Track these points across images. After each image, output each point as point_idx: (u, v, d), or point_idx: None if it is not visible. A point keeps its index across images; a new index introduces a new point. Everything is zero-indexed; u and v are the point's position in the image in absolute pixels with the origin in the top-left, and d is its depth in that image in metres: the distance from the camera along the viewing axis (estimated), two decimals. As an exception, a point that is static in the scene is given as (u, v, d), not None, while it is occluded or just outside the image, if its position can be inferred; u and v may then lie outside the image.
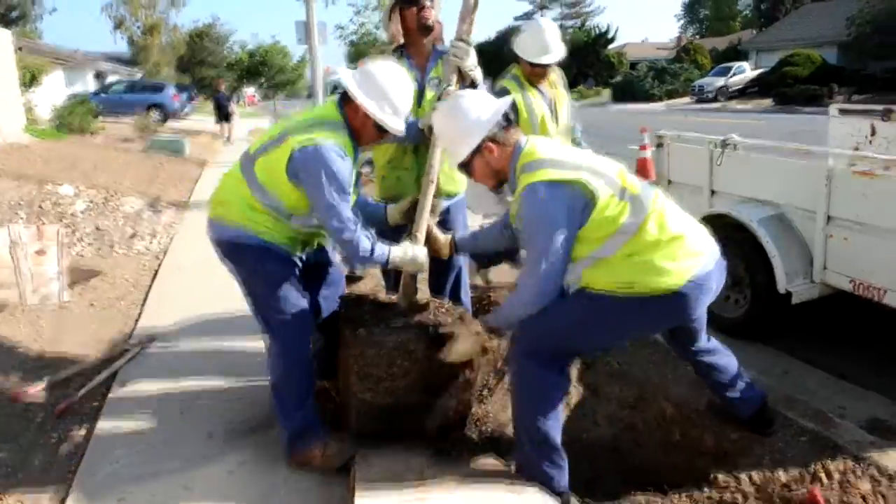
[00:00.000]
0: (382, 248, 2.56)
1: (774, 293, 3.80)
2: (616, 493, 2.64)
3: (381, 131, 2.54)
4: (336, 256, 3.08)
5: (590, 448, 3.13)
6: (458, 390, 2.70)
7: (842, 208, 3.54)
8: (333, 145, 2.41)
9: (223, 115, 17.92)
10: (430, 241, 2.77)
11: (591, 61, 42.88)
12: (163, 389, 3.43)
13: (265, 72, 21.36)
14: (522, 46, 3.62)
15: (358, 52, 10.25)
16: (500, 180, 2.43)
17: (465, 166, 2.42)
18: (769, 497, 2.10)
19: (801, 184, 3.76)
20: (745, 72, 31.94)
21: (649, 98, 34.25)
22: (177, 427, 3.08)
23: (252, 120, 26.71)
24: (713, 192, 4.43)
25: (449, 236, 2.86)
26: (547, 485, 2.38)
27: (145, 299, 4.97)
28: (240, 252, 2.57)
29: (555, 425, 2.43)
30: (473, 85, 2.98)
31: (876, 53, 24.98)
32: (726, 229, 4.16)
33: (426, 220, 2.77)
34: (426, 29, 3.10)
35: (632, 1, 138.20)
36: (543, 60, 3.56)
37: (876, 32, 25.11)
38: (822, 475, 2.50)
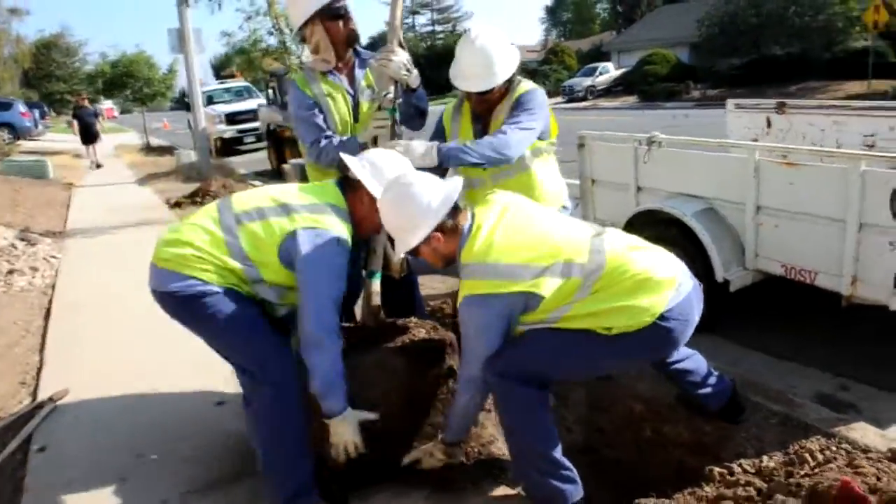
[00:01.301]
0: (341, 393, 2.29)
1: (713, 283, 3.95)
2: (595, 497, 2.60)
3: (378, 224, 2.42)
4: None
5: (567, 454, 3.09)
6: (446, 405, 2.56)
7: (770, 198, 3.74)
8: (339, 237, 2.26)
9: (89, 136, 15.84)
10: (384, 259, 2.67)
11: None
12: (92, 453, 2.99)
13: (130, 84, 19.85)
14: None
15: (248, 60, 9.72)
16: (448, 261, 2.32)
17: (412, 251, 2.31)
18: (786, 487, 2.13)
19: (729, 176, 3.94)
20: (610, 72, 33.88)
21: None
22: (120, 497, 2.67)
23: (117, 136, 24.84)
24: (639, 189, 4.56)
25: (400, 256, 2.68)
26: (561, 501, 2.30)
27: (43, 344, 4.39)
28: (191, 303, 2.24)
29: (549, 438, 2.34)
30: (410, 88, 2.86)
31: (722, 52, 27.34)
32: (657, 225, 4.31)
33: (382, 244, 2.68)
34: (353, 39, 2.96)
35: (496, 5, 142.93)
36: (461, 86, 2.88)
37: (722, 33, 27.49)
38: (807, 456, 2.59)
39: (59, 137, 28.13)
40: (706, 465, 2.78)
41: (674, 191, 4.29)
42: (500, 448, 2.84)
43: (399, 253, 2.33)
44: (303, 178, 7.23)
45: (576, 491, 2.33)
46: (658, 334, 2.15)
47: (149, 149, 21.06)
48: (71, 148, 20.20)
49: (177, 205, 9.60)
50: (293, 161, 7.64)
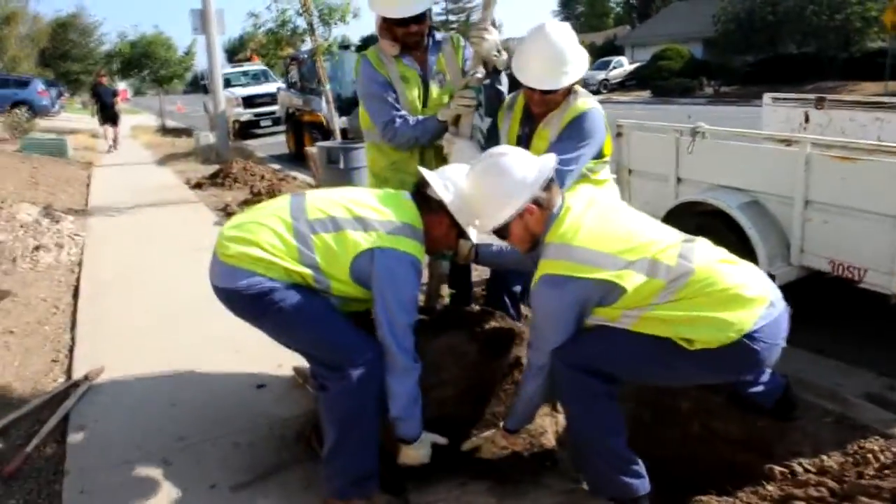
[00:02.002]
0: (418, 419, 2.27)
1: (757, 278, 3.84)
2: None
3: (455, 243, 2.39)
4: None
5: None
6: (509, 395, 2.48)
7: (820, 192, 3.63)
8: (415, 261, 2.20)
9: (108, 116, 15.18)
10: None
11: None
12: (133, 434, 2.91)
13: (148, 65, 19.71)
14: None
15: (276, 41, 9.59)
16: (535, 243, 2.20)
17: (501, 230, 2.18)
18: (863, 489, 2.04)
19: (777, 170, 3.82)
20: (624, 66, 33.55)
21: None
22: (167, 481, 2.58)
23: (133, 117, 24.75)
24: (679, 180, 4.44)
25: (470, 243, 2.59)
26: (629, 495, 2.21)
27: (74, 322, 4.31)
28: (261, 299, 2.15)
29: (617, 432, 2.24)
30: (496, 70, 2.74)
31: (737, 48, 27.05)
32: (699, 217, 4.21)
33: None
34: (416, 44, 2.85)
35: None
36: (527, 82, 2.64)
37: (737, 29, 27.17)
38: (870, 457, 2.49)
39: (75, 117, 28.08)
40: (760, 463, 2.70)
41: (716, 183, 4.18)
42: (551, 439, 2.76)
43: (487, 228, 2.20)
44: (329, 161, 7.14)
45: (643, 486, 2.24)
46: (742, 354, 2.02)
47: (165, 130, 20.96)
48: (88, 128, 20.12)
49: (198, 185, 9.52)
50: (320, 144, 7.52)
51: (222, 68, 15.19)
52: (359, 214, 2.19)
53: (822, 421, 2.92)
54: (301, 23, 8.88)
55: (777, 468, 2.54)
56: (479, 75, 2.67)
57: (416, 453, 2.29)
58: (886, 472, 2.29)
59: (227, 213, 7.46)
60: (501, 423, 2.43)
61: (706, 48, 30.81)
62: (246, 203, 7.73)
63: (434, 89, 2.87)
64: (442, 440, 2.34)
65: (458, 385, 2.42)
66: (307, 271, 2.16)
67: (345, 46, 13.68)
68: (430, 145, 2.87)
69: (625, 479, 2.21)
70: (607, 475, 2.22)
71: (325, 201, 2.25)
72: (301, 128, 12.55)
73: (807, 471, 2.51)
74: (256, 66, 19.15)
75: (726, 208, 3.97)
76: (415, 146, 2.85)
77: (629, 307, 2.05)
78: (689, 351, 2.01)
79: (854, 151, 3.51)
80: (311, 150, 7.98)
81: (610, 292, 2.03)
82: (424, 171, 2.34)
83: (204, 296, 2.49)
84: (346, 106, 10.74)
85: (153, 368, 3.50)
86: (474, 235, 2.34)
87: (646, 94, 28.74)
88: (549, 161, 2.18)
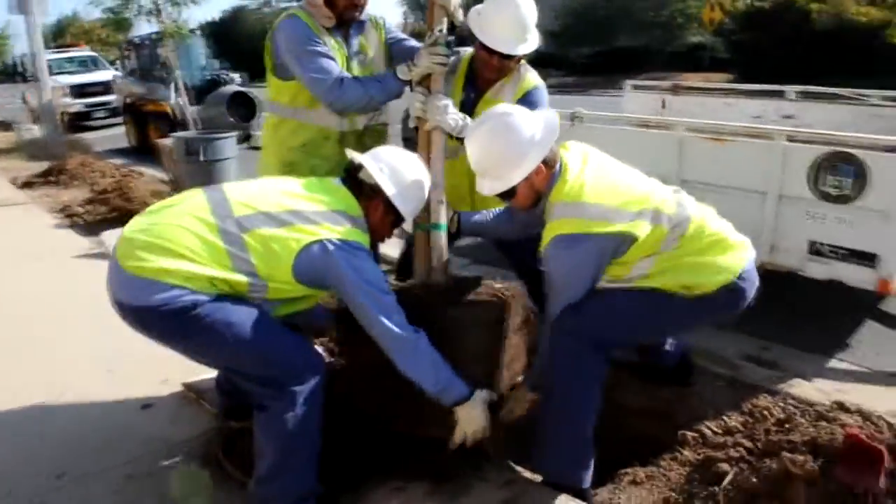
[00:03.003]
0: (456, 379, 2.12)
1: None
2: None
3: (392, 229, 2.27)
4: None
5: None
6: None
7: (693, 172, 3.89)
8: (367, 250, 2.06)
9: None
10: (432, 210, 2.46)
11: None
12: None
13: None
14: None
15: (117, 23, 8.60)
16: (536, 201, 2.21)
17: (507, 192, 2.16)
18: (779, 445, 2.19)
19: (654, 152, 4.04)
20: (472, 56, 34.43)
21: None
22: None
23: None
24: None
25: (451, 213, 2.55)
26: (576, 484, 2.22)
27: None
28: (181, 317, 1.86)
29: (591, 418, 2.26)
30: (453, 27, 2.60)
31: (575, 41, 28.73)
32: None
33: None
34: (351, 19, 2.70)
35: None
36: (492, 44, 2.55)
37: (575, 23, 28.86)
38: (766, 413, 2.71)
39: None
40: (666, 430, 2.84)
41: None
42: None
43: (497, 190, 2.15)
44: (188, 153, 6.56)
45: (588, 479, 2.28)
46: (734, 294, 2.20)
47: (-30, 125, 18.29)
48: None
49: (27, 185, 8.40)
50: (176, 134, 6.89)
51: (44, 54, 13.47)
52: (292, 207, 1.98)
53: (716, 384, 3.14)
54: (146, 2, 8.09)
55: (689, 433, 2.68)
56: (444, 30, 2.51)
57: (476, 414, 2.12)
58: (787, 426, 2.49)
59: (67, 214, 6.65)
60: (522, 379, 2.45)
61: (551, 41, 32.43)
62: (91, 203, 6.93)
63: (355, 68, 2.71)
64: (494, 394, 2.22)
65: (489, 358, 2.30)
66: (240, 278, 1.91)
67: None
68: (377, 110, 2.75)
69: (579, 467, 2.23)
70: (566, 458, 2.23)
71: (250, 195, 2.02)
72: (144, 119, 11.52)
73: (715, 433, 2.67)
74: (84, 52, 17.29)
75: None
76: (364, 108, 2.67)
77: (635, 260, 2.13)
78: (688, 298, 2.15)
79: (723, 134, 3.79)
80: (164, 142, 7.30)
81: (622, 244, 2.08)
82: (355, 155, 2.18)
83: (56, 311, 2.15)
84: (196, 95, 10.01)
85: (9, 398, 2.99)
86: (410, 223, 2.21)
87: (496, 84, 29.69)
88: (553, 117, 2.17)
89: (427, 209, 2.41)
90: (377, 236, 2.23)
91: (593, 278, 2.16)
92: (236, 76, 12.16)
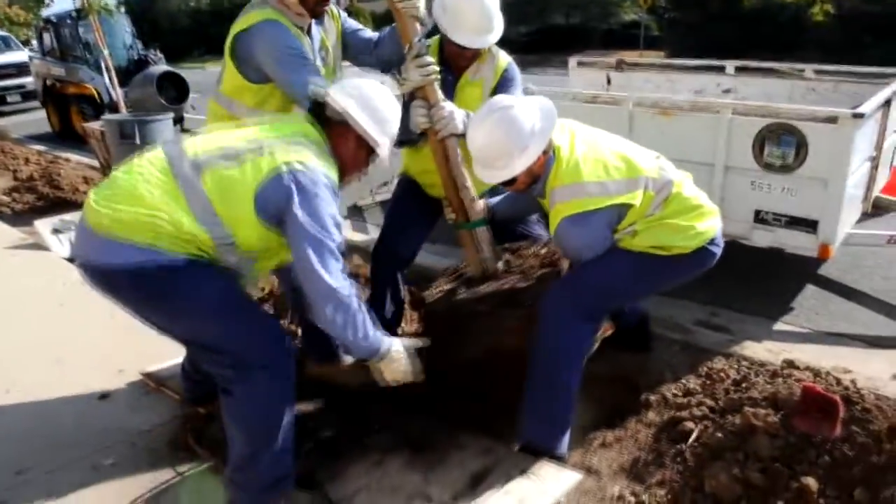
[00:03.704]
0: (375, 332, 2.07)
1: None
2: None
3: (366, 163, 2.21)
4: None
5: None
6: None
7: (643, 146, 4.01)
8: (331, 176, 1.97)
9: None
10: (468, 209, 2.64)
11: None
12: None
13: None
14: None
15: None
16: (532, 185, 2.34)
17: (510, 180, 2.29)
18: (739, 402, 2.32)
19: (606, 126, 4.13)
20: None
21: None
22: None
23: None
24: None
25: (482, 202, 2.69)
26: (555, 449, 2.31)
27: None
28: (151, 280, 1.80)
29: (576, 381, 2.38)
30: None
31: (511, 20, 28.91)
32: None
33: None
34: (320, 15, 2.63)
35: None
36: (461, 41, 2.56)
37: (514, 2, 29.01)
38: (722, 375, 2.87)
39: None
40: (631, 395, 2.97)
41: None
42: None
43: (500, 179, 2.26)
44: (122, 136, 6.30)
45: (565, 446, 2.37)
46: (706, 257, 2.38)
47: None
48: None
49: (-62, 176, 7.88)
50: (108, 117, 6.58)
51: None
52: (253, 137, 1.92)
53: (672, 349, 3.29)
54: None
55: (651, 397, 2.81)
56: (424, 40, 2.52)
57: (396, 366, 2.12)
58: (744, 385, 2.65)
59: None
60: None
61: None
62: (16, 191, 6.58)
63: (318, 66, 2.62)
64: (421, 342, 2.24)
65: None
66: (200, 229, 1.82)
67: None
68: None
69: (558, 434, 2.32)
70: (548, 424, 2.31)
71: (206, 139, 1.96)
72: (65, 102, 10.94)
73: (675, 395, 2.80)
74: (-8, 30, 16.24)
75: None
76: None
77: (629, 223, 2.28)
78: (666, 259, 2.31)
79: (671, 108, 3.92)
80: (93, 126, 6.95)
81: (623, 212, 2.26)
82: (320, 90, 2.14)
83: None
84: (121, 76, 9.56)
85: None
86: (386, 150, 2.16)
87: (434, 63, 29.59)
88: (548, 104, 2.25)
89: (461, 209, 2.61)
90: (349, 170, 2.16)
91: (605, 245, 2.32)
92: (162, 56, 11.66)
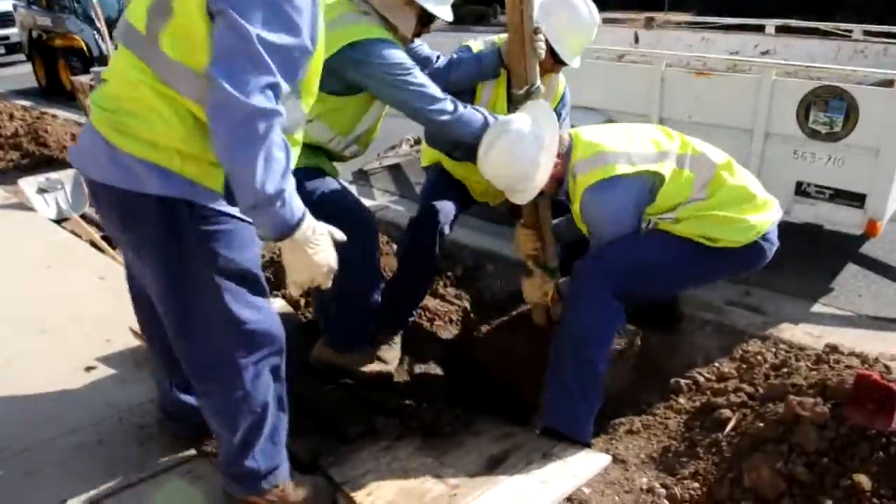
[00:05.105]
0: (291, 189, 1.54)
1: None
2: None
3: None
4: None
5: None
6: None
7: (675, 109, 3.87)
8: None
9: None
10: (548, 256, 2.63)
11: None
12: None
13: None
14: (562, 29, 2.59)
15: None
16: (559, 184, 2.34)
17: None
18: (784, 390, 2.22)
19: (634, 87, 3.99)
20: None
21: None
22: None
23: None
24: (532, 103, 4.49)
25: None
26: (581, 435, 2.23)
27: None
28: (173, 224, 1.61)
29: (605, 361, 2.29)
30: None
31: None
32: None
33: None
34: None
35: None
36: (572, 63, 2.66)
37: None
38: (759, 359, 2.76)
39: None
40: (658, 379, 2.88)
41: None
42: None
43: (526, 200, 2.31)
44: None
45: (590, 434, 2.29)
46: (755, 253, 2.29)
47: None
48: None
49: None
50: (98, 70, 6.45)
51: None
52: None
53: (704, 331, 3.19)
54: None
55: (682, 380, 2.71)
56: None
57: (318, 253, 1.61)
58: (784, 370, 2.54)
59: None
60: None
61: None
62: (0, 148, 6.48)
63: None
64: (339, 233, 1.69)
65: None
66: (185, 97, 1.53)
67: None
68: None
69: (583, 419, 2.25)
70: (573, 407, 2.23)
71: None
72: (52, 55, 10.76)
73: (708, 379, 2.71)
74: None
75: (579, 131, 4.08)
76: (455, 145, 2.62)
77: (667, 207, 2.20)
78: (711, 250, 2.21)
79: (708, 68, 3.77)
80: (82, 79, 6.82)
81: (651, 186, 2.18)
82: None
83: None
84: (112, 27, 9.35)
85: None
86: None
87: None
88: (543, 108, 2.28)
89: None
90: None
91: (633, 224, 2.24)
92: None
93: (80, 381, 2.67)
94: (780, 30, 5.03)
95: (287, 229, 1.54)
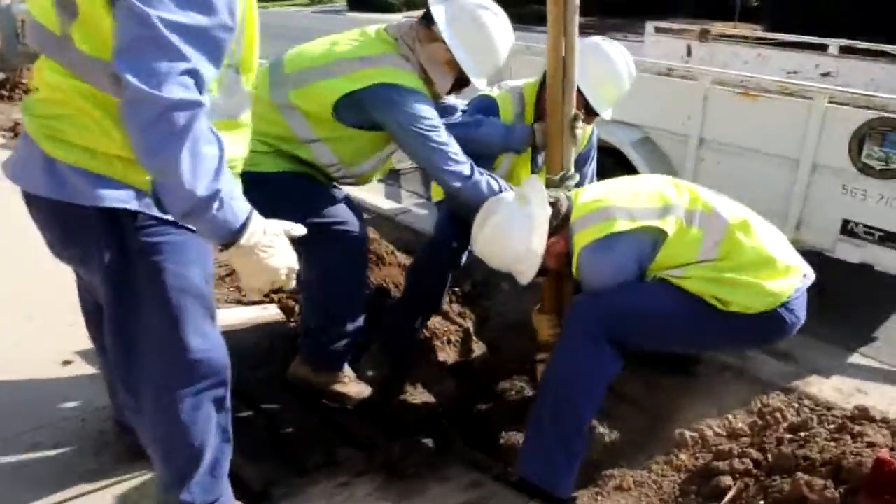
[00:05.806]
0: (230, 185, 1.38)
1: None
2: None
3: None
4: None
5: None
6: None
7: (716, 131, 3.60)
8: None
9: None
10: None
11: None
12: None
13: None
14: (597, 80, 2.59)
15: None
16: (567, 260, 2.17)
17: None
18: (794, 462, 1.98)
19: (676, 104, 3.73)
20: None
21: (388, 8, 34.11)
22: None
23: None
24: (567, 113, 4.27)
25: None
26: (557, 492, 2.03)
27: None
28: (113, 232, 1.49)
29: (591, 412, 2.11)
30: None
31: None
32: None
33: None
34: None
35: None
36: (604, 114, 2.67)
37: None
38: (778, 416, 2.50)
39: None
40: (664, 427, 2.65)
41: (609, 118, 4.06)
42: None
43: (531, 278, 2.17)
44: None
45: (569, 489, 2.09)
46: (775, 323, 2.06)
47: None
48: None
49: (-26, 99, 8.00)
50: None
51: None
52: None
53: (723, 376, 2.93)
54: None
55: (688, 433, 2.48)
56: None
57: (275, 255, 1.46)
58: (802, 434, 2.29)
59: (17, 134, 6.30)
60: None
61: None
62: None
63: None
64: (298, 228, 1.55)
65: None
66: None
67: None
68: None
69: (562, 472, 2.05)
70: (550, 458, 2.04)
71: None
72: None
73: (717, 435, 2.47)
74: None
75: (619, 145, 3.86)
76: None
77: (672, 264, 2.04)
78: (723, 312, 2.00)
79: (756, 89, 3.47)
80: None
81: (654, 243, 2.03)
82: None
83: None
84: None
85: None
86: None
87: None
88: (538, 189, 2.14)
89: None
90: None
91: (635, 273, 2.08)
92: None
93: (55, 375, 2.60)
94: (844, 50, 4.67)
95: (230, 235, 1.38)
